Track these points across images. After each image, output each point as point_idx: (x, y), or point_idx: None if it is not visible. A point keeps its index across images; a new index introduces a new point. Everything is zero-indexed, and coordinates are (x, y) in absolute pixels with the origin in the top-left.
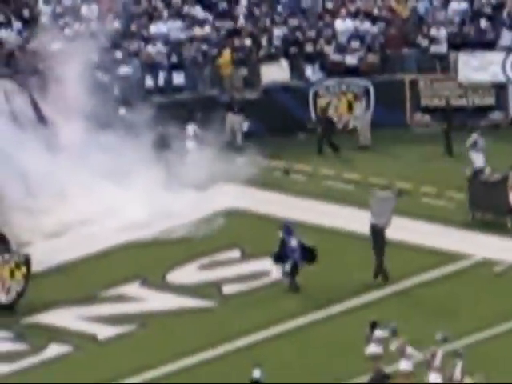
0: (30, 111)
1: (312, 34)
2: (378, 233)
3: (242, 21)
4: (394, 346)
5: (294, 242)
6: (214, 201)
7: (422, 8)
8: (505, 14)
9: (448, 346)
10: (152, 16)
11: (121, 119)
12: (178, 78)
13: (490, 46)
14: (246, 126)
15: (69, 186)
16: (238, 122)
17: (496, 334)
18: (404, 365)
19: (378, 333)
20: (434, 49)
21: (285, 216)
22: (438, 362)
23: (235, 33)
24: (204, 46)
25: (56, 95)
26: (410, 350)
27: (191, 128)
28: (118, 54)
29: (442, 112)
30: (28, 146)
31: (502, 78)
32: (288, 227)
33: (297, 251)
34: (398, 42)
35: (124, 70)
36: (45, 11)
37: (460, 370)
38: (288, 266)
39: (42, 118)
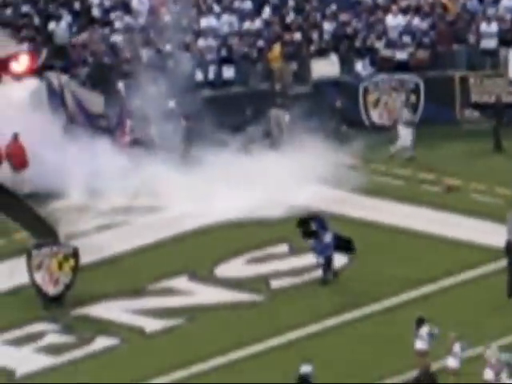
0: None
1: (362, 29)
2: None
3: (292, 16)
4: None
5: (328, 238)
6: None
7: (472, 4)
8: None
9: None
10: (202, 10)
11: None
12: (228, 72)
13: None
14: (287, 118)
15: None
16: (281, 116)
17: None
18: (451, 362)
19: (424, 330)
20: (484, 45)
21: (328, 209)
22: (457, 348)
23: (286, 27)
24: (255, 41)
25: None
26: (457, 347)
27: (405, 112)
28: (169, 48)
29: (492, 108)
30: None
31: None
32: (322, 221)
33: (330, 247)
34: (448, 38)
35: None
36: (96, 4)
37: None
38: (321, 260)
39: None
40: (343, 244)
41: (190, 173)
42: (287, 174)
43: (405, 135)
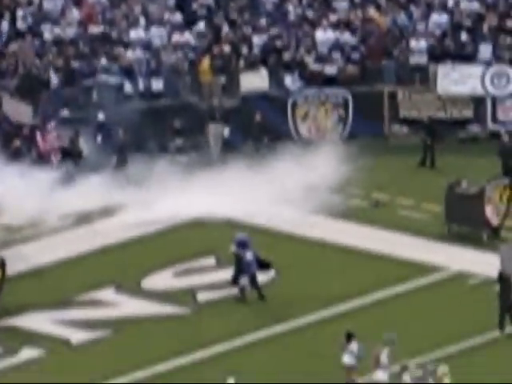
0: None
1: (292, 43)
2: (505, 280)
3: (225, 29)
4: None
5: (249, 256)
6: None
7: (402, 20)
8: (485, 27)
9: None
10: (131, 22)
11: None
12: (157, 85)
13: (469, 59)
14: (227, 132)
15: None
16: (219, 131)
17: (470, 346)
18: (380, 375)
19: (353, 345)
20: (413, 61)
21: (259, 224)
22: (384, 359)
23: (215, 40)
24: (183, 53)
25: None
26: (384, 359)
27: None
28: (99, 60)
29: (425, 126)
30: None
31: (480, 91)
32: (242, 241)
33: (253, 264)
34: (377, 53)
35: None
36: (24, 15)
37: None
38: (245, 281)
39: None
40: (263, 264)
41: (121, 185)
42: (217, 187)
43: None
